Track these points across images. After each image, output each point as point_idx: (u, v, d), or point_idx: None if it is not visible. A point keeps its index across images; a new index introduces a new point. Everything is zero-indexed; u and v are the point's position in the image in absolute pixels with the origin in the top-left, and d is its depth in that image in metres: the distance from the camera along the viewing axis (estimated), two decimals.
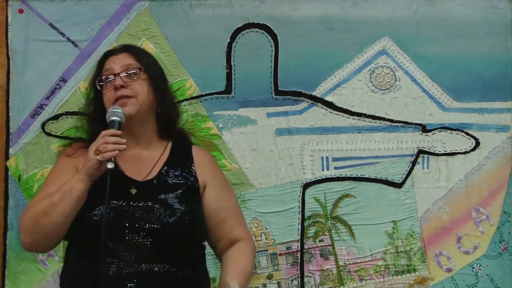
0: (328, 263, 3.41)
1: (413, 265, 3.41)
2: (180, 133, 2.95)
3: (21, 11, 3.38)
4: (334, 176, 3.41)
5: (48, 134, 3.37)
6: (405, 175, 3.41)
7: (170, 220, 2.66)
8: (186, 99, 3.37)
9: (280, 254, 3.41)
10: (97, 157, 2.58)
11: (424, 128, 3.42)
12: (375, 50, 3.42)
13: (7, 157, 3.36)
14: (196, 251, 2.78)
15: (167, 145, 2.87)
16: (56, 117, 3.37)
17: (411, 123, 3.42)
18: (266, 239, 3.39)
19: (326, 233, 3.41)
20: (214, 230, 2.82)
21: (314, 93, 3.41)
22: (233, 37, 3.39)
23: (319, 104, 3.41)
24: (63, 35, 3.38)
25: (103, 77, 2.79)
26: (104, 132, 2.64)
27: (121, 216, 2.64)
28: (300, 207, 3.40)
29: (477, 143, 3.42)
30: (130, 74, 2.77)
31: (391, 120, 3.42)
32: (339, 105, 3.41)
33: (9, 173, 3.36)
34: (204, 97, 3.39)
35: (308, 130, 3.41)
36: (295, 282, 3.40)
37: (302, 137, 3.41)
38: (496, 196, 3.42)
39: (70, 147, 2.86)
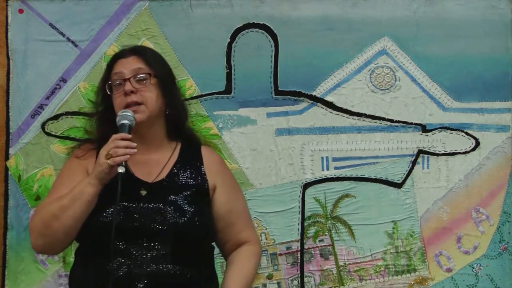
0: (328, 263, 3.41)
1: (413, 265, 3.41)
2: (189, 133, 2.94)
3: (21, 11, 3.38)
4: (334, 176, 3.41)
5: (48, 134, 3.37)
6: (405, 175, 3.42)
7: (180, 221, 2.66)
8: (186, 99, 3.36)
9: (280, 254, 3.41)
10: (108, 162, 2.58)
11: (424, 128, 3.42)
12: (375, 50, 3.42)
13: (7, 157, 3.36)
14: (205, 252, 2.79)
15: (176, 146, 2.86)
16: (56, 117, 3.37)
17: (411, 123, 3.42)
18: (266, 239, 3.39)
19: (326, 233, 3.41)
20: (223, 232, 2.82)
21: (314, 93, 3.41)
22: (233, 37, 3.39)
23: (319, 104, 3.41)
24: (63, 35, 3.38)
25: (114, 81, 2.78)
26: (114, 136, 2.63)
27: (131, 218, 2.64)
28: (300, 207, 3.40)
29: (477, 143, 3.42)
30: (140, 79, 2.77)
31: (391, 120, 3.42)
32: (339, 105, 3.42)
33: (9, 173, 3.36)
34: (204, 97, 3.40)
35: (308, 130, 3.41)
36: (295, 282, 3.40)
37: (302, 137, 3.41)
38: (496, 196, 3.42)
39: (79, 149, 2.85)
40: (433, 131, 3.42)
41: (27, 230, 3.32)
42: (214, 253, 2.85)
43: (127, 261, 2.61)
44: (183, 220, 2.67)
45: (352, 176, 3.42)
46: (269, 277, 3.40)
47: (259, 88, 3.40)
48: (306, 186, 3.40)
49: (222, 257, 2.91)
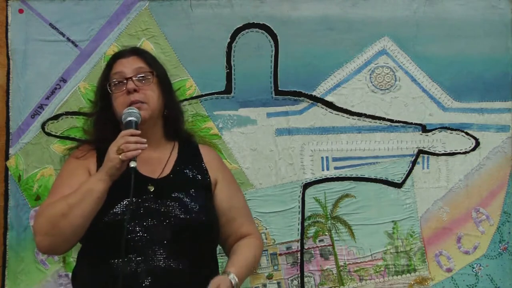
0: (328, 263, 3.41)
1: (413, 265, 3.41)
2: (185, 133, 2.97)
3: (21, 11, 3.37)
4: (334, 176, 3.41)
5: (48, 134, 3.36)
6: (405, 175, 3.42)
7: (188, 217, 2.68)
8: (186, 99, 3.37)
9: (280, 254, 3.41)
10: (120, 157, 2.59)
11: (424, 128, 3.42)
12: (375, 50, 3.42)
13: (7, 157, 3.36)
14: (210, 249, 2.81)
15: (174, 145, 2.89)
16: (56, 117, 3.37)
17: (411, 123, 3.42)
18: (266, 239, 3.39)
19: (326, 233, 3.41)
20: (224, 227, 2.84)
21: (314, 93, 3.41)
22: (233, 37, 3.39)
23: (319, 104, 3.41)
24: (63, 35, 3.38)
25: (114, 81, 2.79)
26: (123, 132, 2.65)
27: (139, 214, 2.65)
28: (300, 207, 3.40)
29: (477, 143, 3.42)
30: (142, 78, 2.79)
31: (391, 120, 3.42)
32: (339, 105, 3.42)
33: (9, 173, 3.36)
34: (204, 97, 3.39)
35: (308, 130, 3.41)
36: (295, 282, 3.40)
37: (302, 137, 3.41)
38: (496, 196, 3.42)
39: (78, 149, 2.86)
40: (433, 131, 3.42)
41: (27, 230, 3.32)
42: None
43: (135, 258, 2.62)
44: (191, 216, 2.69)
45: (352, 176, 3.42)
46: (269, 277, 3.40)
47: (259, 88, 3.40)
48: (306, 186, 3.40)
49: (224, 256, 2.92)
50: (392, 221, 3.41)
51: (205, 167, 2.86)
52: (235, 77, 3.40)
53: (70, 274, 2.93)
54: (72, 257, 3.25)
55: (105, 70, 2.89)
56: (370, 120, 3.42)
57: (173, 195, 2.72)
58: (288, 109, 3.41)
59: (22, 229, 3.34)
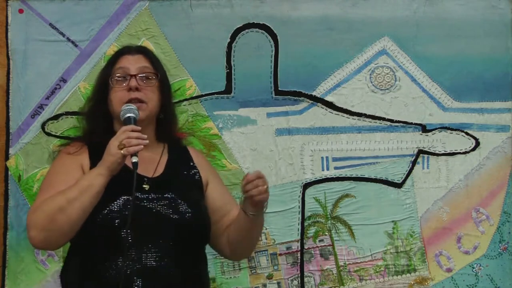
0: (328, 263, 3.41)
1: (413, 265, 3.41)
2: (174, 136, 3.00)
3: (21, 11, 3.37)
4: (334, 176, 3.41)
5: (48, 134, 3.36)
6: (405, 175, 3.41)
7: (180, 217, 2.69)
8: (186, 99, 3.37)
9: (280, 254, 3.40)
10: (122, 151, 2.59)
11: (424, 128, 3.42)
12: (375, 50, 3.42)
13: (7, 157, 3.36)
14: (201, 249, 2.81)
15: (164, 146, 2.91)
16: (56, 117, 3.37)
17: (411, 123, 3.42)
18: (266, 239, 3.39)
19: (326, 233, 3.41)
20: (218, 224, 2.87)
21: (314, 93, 3.41)
22: (233, 37, 3.39)
23: (319, 104, 3.41)
24: (63, 35, 3.38)
25: (117, 75, 2.79)
26: (124, 128, 2.65)
27: (134, 212, 2.64)
28: (300, 207, 3.40)
29: (477, 143, 3.42)
30: (145, 78, 2.79)
31: (391, 120, 3.42)
32: (339, 105, 3.41)
33: (9, 173, 3.36)
34: (204, 97, 3.39)
35: (308, 130, 3.41)
36: (295, 282, 3.40)
37: (302, 137, 3.41)
38: (496, 196, 3.42)
39: (71, 145, 2.87)
40: (433, 131, 3.42)
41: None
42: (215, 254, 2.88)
43: (125, 257, 2.61)
44: (183, 216, 2.69)
45: (352, 176, 3.42)
46: (269, 277, 3.40)
47: (259, 88, 3.40)
48: (306, 186, 3.40)
49: (223, 258, 2.93)
50: (392, 221, 3.41)
51: (196, 167, 2.89)
52: (235, 77, 3.40)
53: None
54: None
55: (108, 63, 2.89)
56: (370, 120, 3.42)
57: (167, 195, 2.72)
58: (288, 109, 3.41)
59: (22, 229, 3.33)
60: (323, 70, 3.41)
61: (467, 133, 3.42)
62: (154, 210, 2.68)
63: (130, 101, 2.75)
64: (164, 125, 2.90)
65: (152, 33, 3.38)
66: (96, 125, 2.83)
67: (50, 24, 3.38)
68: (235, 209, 2.88)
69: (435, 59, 3.42)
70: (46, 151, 3.35)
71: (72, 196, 2.61)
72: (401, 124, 3.42)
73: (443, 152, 3.42)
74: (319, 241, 3.41)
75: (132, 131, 2.63)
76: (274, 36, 3.40)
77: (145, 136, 2.64)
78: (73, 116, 3.34)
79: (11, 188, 3.36)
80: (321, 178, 3.41)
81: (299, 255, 3.40)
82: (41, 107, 3.37)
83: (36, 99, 3.37)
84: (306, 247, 3.40)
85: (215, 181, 2.93)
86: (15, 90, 3.37)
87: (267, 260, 3.40)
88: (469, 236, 3.42)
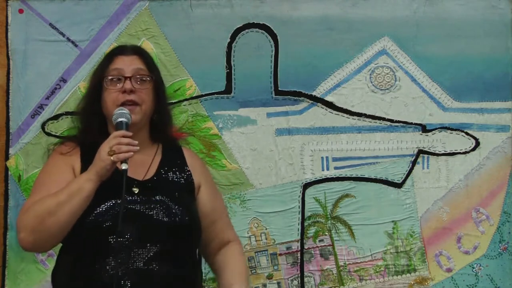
0: (328, 263, 3.41)
1: (413, 265, 3.41)
2: (168, 136, 2.97)
3: (21, 11, 3.37)
4: (334, 176, 3.41)
5: (48, 134, 3.36)
6: (405, 175, 3.41)
7: (170, 220, 2.67)
8: (186, 99, 3.37)
9: (280, 254, 3.40)
10: (112, 158, 2.58)
11: (424, 128, 3.42)
12: (375, 50, 3.42)
13: (7, 157, 3.36)
14: (192, 252, 2.80)
15: (158, 147, 2.88)
16: (56, 117, 3.37)
17: (411, 123, 3.42)
18: (266, 239, 3.39)
19: (326, 233, 3.41)
20: (207, 230, 2.84)
21: (314, 93, 3.41)
22: (233, 37, 3.39)
23: (319, 104, 3.41)
24: (63, 35, 3.38)
25: (111, 77, 2.78)
26: (116, 133, 2.63)
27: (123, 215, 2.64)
28: (300, 207, 3.40)
29: (477, 143, 3.42)
30: (141, 80, 2.78)
31: (391, 120, 3.42)
32: (339, 105, 3.42)
33: (9, 173, 3.36)
34: (204, 97, 3.39)
35: (308, 130, 3.41)
36: (295, 282, 3.40)
37: (302, 137, 3.41)
38: (496, 196, 3.42)
39: (64, 145, 2.85)
40: (433, 131, 3.42)
41: None
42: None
43: (115, 260, 2.60)
44: (174, 219, 2.68)
45: (352, 176, 3.42)
46: (269, 277, 3.40)
47: (259, 88, 3.40)
48: (306, 186, 3.40)
49: None
50: (392, 221, 3.41)
51: (189, 170, 2.85)
52: (235, 77, 3.40)
53: None
54: None
55: (103, 62, 2.86)
56: (370, 120, 3.42)
57: (157, 198, 2.70)
58: (288, 109, 3.41)
59: None
60: (323, 70, 3.41)
61: (467, 133, 3.42)
62: (142, 213, 2.66)
63: (124, 103, 2.73)
64: (159, 127, 2.89)
65: (152, 33, 3.38)
66: (89, 125, 2.81)
67: (50, 24, 3.38)
68: (225, 229, 2.88)
69: (435, 59, 3.42)
70: (46, 151, 3.35)
71: (61, 199, 2.60)
72: (401, 124, 3.42)
73: (443, 152, 3.42)
74: (319, 241, 3.41)
75: (123, 136, 2.61)
76: (274, 36, 3.40)
77: (136, 142, 2.62)
78: (73, 116, 3.33)
79: (11, 188, 3.36)
80: (321, 178, 3.41)
81: (299, 255, 3.40)
82: (41, 107, 3.37)
83: (36, 99, 3.37)
84: (306, 247, 3.40)
85: (207, 184, 2.89)
86: (15, 90, 3.37)
87: (267, 260, 3.40)
88: (469, 236, 3.42)
